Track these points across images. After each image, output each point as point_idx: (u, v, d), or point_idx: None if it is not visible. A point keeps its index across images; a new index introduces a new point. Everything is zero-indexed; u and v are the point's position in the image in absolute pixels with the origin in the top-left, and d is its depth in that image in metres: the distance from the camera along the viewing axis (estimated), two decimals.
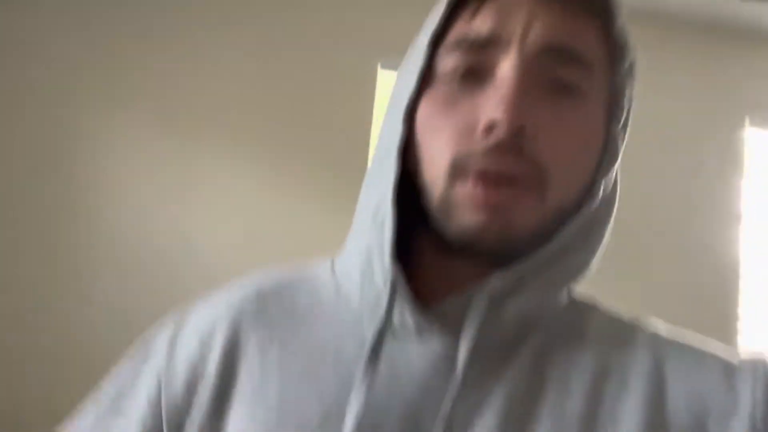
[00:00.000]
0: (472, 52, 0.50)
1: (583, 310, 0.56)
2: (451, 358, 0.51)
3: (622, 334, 0.54)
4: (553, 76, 0.50)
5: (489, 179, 0.48)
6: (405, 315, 0.52)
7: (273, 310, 0.58)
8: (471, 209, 0.49)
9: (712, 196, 2.62)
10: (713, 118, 2.68)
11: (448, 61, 0.51)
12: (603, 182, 0.53)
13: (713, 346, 0.54)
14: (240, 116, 2.40)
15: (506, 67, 0.49)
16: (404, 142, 0.53)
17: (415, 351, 0.52)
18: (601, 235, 0.55)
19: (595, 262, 0.55)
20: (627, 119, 0.55)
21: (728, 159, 2.66)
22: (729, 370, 0.51)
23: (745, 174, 2.66)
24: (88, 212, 2.30)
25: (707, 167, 2.64)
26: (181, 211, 2.32)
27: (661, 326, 0.56)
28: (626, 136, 0.55)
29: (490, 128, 0.47)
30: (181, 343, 0.58)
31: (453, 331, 0.51)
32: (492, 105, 0.48)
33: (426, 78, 0.52)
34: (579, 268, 0.54)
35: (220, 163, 2.37)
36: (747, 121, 2.71)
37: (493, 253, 0.51)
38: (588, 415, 0.49)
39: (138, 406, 0.56)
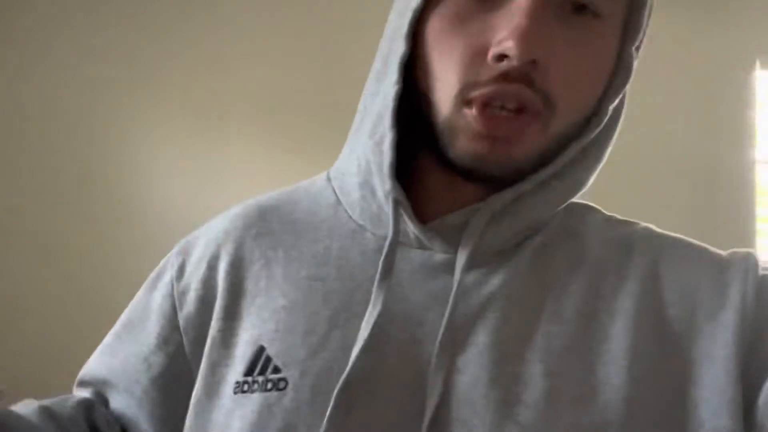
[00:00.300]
0: None
1: (579, 212, 0.57)
2: (451, 265, 0.52)
3: (618, 232, 0.55)
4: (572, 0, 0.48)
5: (494, 108, 0.47)
6: (407, 228, 0.53)
7: (274, 223, 0.59)
8: (473, 138, 0.48)
9: (725, 140, 2.60)
10: (724, 61, 2.65)
11: None
12: (610, 106, 0.52)
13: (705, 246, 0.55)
14: (261, 104, 2.46)
15: None
16: (407, 57, 0.51)
17: (418, 260, 0.53)
18: (601, 154, 0.54)
19: (593, 178, 0.56)
20: (643, 38, 0.53)
21: (740, 102, 2.63)
22: (720, 264, 0.51)
23: (757, 117, 2.63)
24: (124, 193, 2.40)
25: (719, 110, 2.61)
26: (210, 191, 2.40)
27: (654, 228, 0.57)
28: (639, 54, 0.54)
29: (500, 58, 0.46)
30: (190, 266, 0.59)
31: (453, 243, 0.52)
32: (504, 32, 0.46)
33: None
34: (577, 185, 0.54)
35: (244, 147, 2.44)
36: (758, 64, 2.68)
37: (494, 177, 0.51)
38: (586, 311, 0.50)
39: (154, 324, 0.58)
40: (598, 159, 0.54)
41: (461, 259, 0.51)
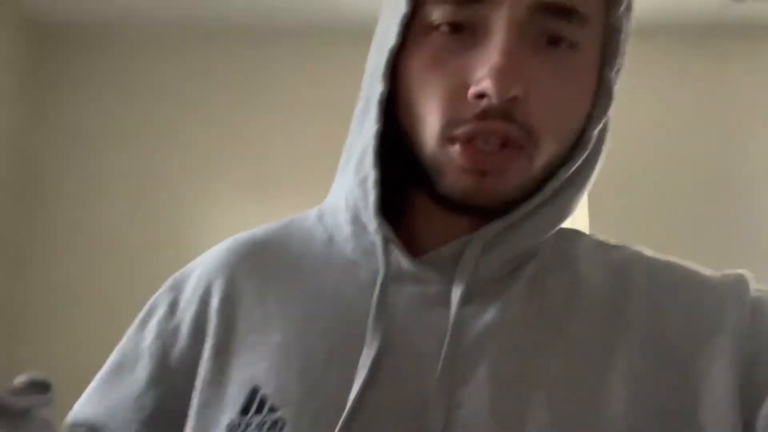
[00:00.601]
0: (463, 6, 0.48)
1: (571, 238, 0.57)
2: (447, 297, 0.51)
3: (611, 256, 0.55)
4: (546, 32, 0.48)
5: (478, 144, 0.48)
6: (400, 262, 0.53)
7: (267, 259, 0.58)
8: (460, 173, 0.49)
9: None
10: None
11: (437, 14, 0.49)
12: (595, 131, 0.52)
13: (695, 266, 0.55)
14: (304, 179, 2.59)
15: (498, 29, 0.47)
16: (386, 95, 0.51)
17: (413, 293, 0.52)
18: (588, 178, 0.55)
19: (581, 202, 0.56)
20: (622, 63, 0.53)
21: None
22: (714, 287, 0.51)
23: None
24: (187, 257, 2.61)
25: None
26: None
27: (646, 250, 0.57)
28: (620, 77, 0.54)
29: (480, 96, 0.47)
30: (182, 303, 0.58)
31: (447, 275, 0.52)
32: (482, 71, 0.47)
33: (409, 24, 0.50)
34: (566, 210, 0.55)
35: (289, 212, 2.62)
36: None
37: (484, 209, 0.51)
38: (584, 339, 0.49)
39: (145, 365, 0.57)
40: (585, 183, 0.54)
41: (456, 292, 0.50)
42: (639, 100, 2.57)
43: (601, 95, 0.52)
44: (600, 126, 0.53)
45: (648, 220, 2.53)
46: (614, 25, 0.51)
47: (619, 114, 0.52)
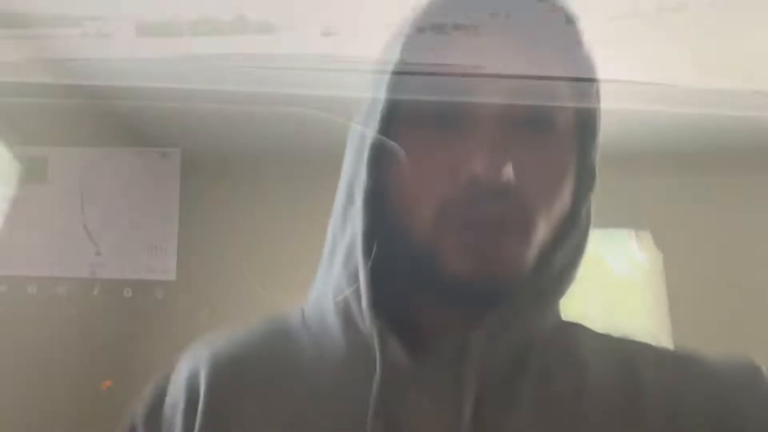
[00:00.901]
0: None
1: (571, 331, 0.56)
2: (452, 394, 0.48)
3: (614, 346, 0.54)
4: (529, 117, 0.49)
5: (475, 229, 0.48)
6: (399, 356, 0.50)
7: (251, 370, 0.54)
8: (458, 258, 0.48)
9: None
10: None
11: (421, 104, 0.50)
12: (583, 209, 0.53)
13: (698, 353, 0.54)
14: None
15: (484, 116, 0.48)
16: (372, 189, 0.50)
17: (414, 391, 0.49)
18: (581, 254, 0.54)
19: (575, 279, 0.55)
20: (599, 141, 0.54)
21: None
22: (725, 375, 0.51)
23: None
24: None
25: None
26: None
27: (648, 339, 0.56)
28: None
29: (473, 181, 0.47)
30: (165, 423, 0.54)
31: (452, 371, 0.49)
32: (474, 157, 0.47)
33: (391, 113, 0.50)
34: (565, 287, 0.54)
35: None
36: None
37: (483, 295, 0.50)
38: (604, 430, 0.48)
39: None
40: (578, 261, 0.54)
41: (467, 392, 0.48)
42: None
43: (584, 175, 0.53)
44: (586, 205, 0.53)
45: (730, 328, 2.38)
46: (588, 108, 0.53)
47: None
